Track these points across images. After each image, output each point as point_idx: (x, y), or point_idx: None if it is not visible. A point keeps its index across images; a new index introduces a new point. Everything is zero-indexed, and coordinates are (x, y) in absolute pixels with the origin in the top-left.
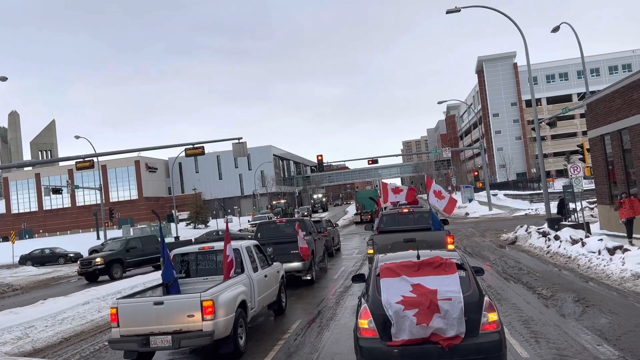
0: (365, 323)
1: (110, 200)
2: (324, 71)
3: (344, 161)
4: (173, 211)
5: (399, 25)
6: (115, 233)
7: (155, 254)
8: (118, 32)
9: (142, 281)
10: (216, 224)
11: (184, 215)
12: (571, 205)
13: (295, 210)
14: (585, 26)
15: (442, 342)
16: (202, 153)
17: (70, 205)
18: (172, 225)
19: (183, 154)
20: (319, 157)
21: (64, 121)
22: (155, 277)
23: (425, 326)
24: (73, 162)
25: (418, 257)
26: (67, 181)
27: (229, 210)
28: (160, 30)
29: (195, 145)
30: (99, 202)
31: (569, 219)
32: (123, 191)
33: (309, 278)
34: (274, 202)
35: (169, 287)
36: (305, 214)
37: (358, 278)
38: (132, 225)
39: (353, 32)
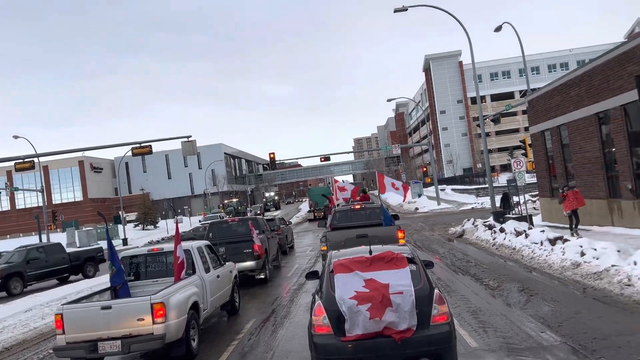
0: (319, 319)
1: (54, 202)
2: (274, 69)
3: (297, 159)
4: (120, 212)
5: (348, 24)
6: (59, 236)
7: (61, 264)
8: (58, 28)
9: (89, 285)
10: (165, 225)
11: (132, 216)
12: (515, 199)
13: (248, 208)
14: (527, 26)
15: (394, 336)
16: (150, 152)
17: (9, 209)
18: (120, 226)
19: (130, 153)
20: (271, 155)
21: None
22: (85, 286)
23: (378, 320)
24: (12, 163)
25: (370, 252)
26: (6, 183)
27: (179, 211)
28: (103, 27)
29: (143, 144)
30: (41, 204)
31: (513, 212)
32: (67, 192)
33: (262, 277)
34: (226, 201)
35: (118, 290)
36: (258, 212)
37: (312, 275)
38: (76, 228)
39: (303, 31)
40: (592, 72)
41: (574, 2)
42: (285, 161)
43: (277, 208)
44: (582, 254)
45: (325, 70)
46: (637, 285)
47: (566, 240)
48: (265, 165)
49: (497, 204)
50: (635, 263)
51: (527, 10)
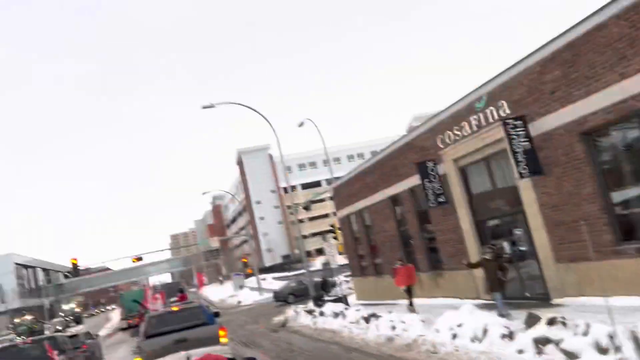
0: None
1: None
2: (77, 166)
3: (105, 262)
4: None
5: (160, 117)
6: None
7: None
8: None
9: None
10: None
11: None
12: (331, 280)
13: (46, 325)
14: (328, 118)
15: None
16: None
17: None
18: None
19: None
20: (74, 261)
21: None
22: None
23: None
24: None
25: (188, 358)
26: None
27: None
28: None
29: None
30: None
31: (331, 294)
32: None
33: None
34: (17, 320)
35: None
36: (59, 328)
37: None
38: None
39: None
40: (383, 161)
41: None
42: (92, 266)
43: (79, 322)
44: (393, 328)
45: (135, 167)
46: (441, 351)
47: (379, 316)
48: (66, 273)
49: (316, 289)
50: (437, 330)
51: (328, 105)
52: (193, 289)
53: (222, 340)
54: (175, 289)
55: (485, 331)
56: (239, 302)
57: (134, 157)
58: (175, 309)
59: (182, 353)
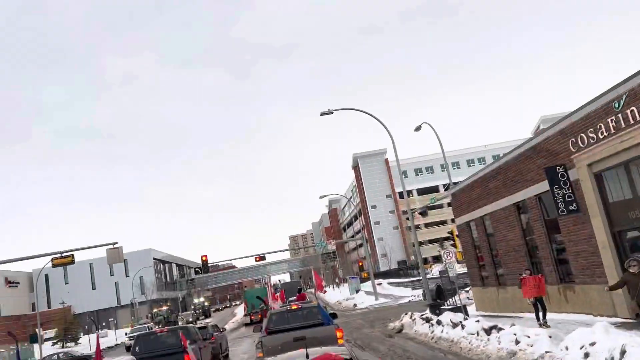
0: None
1: None
2: (205, 172)
3: (231, 260)
4: (37, 330)
5: (280, 127)
6: None
7: None
8: None
9: None
10: (88, 340)
11: (51, 333)
12: (450, 289)
13: (179, 316)
14: (445, 123)
15: None
16: (72, 262)
17: None
18: (36, 346)
19: (50, 264)
20: (204, 258)
21: None
22: None
23: None
24: None
25: (307, 356)
26: None
27: (104, 324)
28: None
29: (64, 254)
30: None
31: (448, 303)
32: None
33: None
34: (155, 310)
35: None
36: (190, 320)
37: None
38: None
39: (235, 135)
40: (507, 166)
41: (485, 101)
42: (219, 263)
43: (207, 316)
44: (517, 342)
45: (258, 171)
46: None
47: (500, 329)
48: (197, 269)
49: (432, 296)
50: (567, 348)
51: (444, 108)
52: (310, 290)
53: (340, 341)
54: (294, 288)
55: (623, 352)
56: (355, 305)
57: (257, 162)
58: (295, 307)
59: (301, 350)
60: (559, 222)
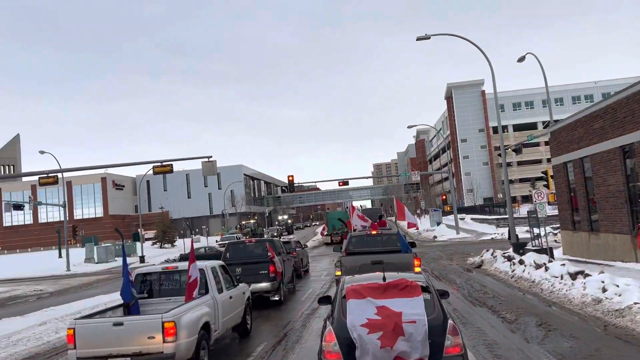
0: (329, 346)
1: (75, 218)
2: (293, 94)
3: (315, 182)
4: (139, 230)
5: (371, 50)
6: (78, 251)
7: None
8: (85, 50)
9: (104, 301)
10: (183, 244)
11: (151, 234)
12: (535, 230)
13: (265, 230)
14: (551, 56)
15: None
16: (171, 171)
17: (32, 222)
18: (138, 244)
19: (151, 172)
20: (290, 178)
21: (29, 137)
22: (100, 301)
23: (389, 349)
24: (36, 177)
25: (384, 279)
26: (30, 197)
27: (197, 230)
28: (127, 52)
29: (164, 163)
30: (62, 219)
31: (533, 244)
32: (88, 208)
33: (277, 299)
34: (244, 222)
35: (131, 307)
36: (275, 234)
37: (324, 300)
38: (96, 244)
39: (323, 57)
40: (617, 105)
41: (599, 34)
42: (304, 184)
43: (290, 233)
44: (604, 290)
45: (346, 96)
46: None
47: (587, 275)
48: (283, 188)
49: (523, 236)
50: None
51: (552, 40)
52: (391, 218)
53: (416, 269)
54: (375, 215)
55: None
56: (435, 237)
57: (345, 89)
58: (374, 232)
59: (379, 273)
60: None
